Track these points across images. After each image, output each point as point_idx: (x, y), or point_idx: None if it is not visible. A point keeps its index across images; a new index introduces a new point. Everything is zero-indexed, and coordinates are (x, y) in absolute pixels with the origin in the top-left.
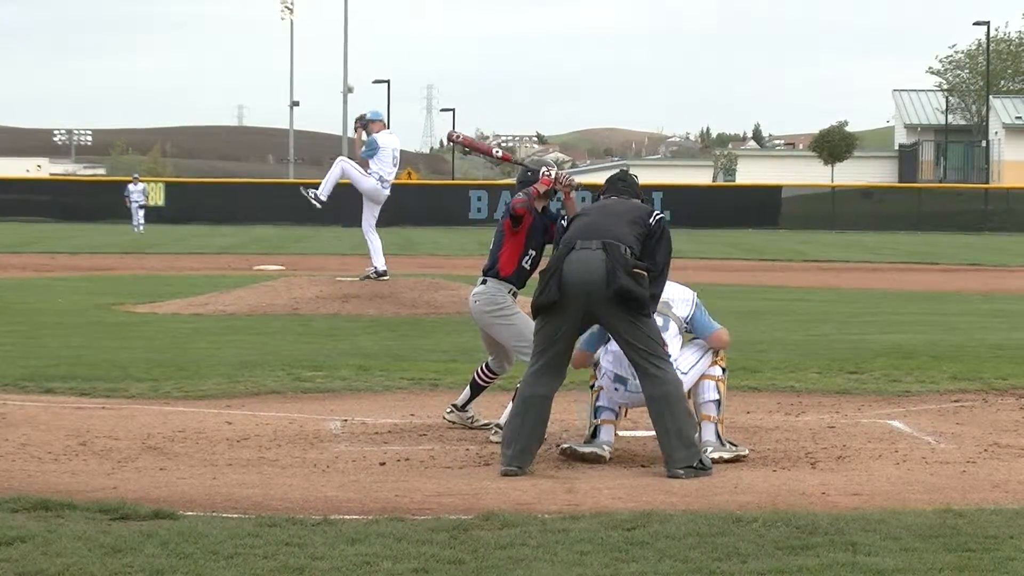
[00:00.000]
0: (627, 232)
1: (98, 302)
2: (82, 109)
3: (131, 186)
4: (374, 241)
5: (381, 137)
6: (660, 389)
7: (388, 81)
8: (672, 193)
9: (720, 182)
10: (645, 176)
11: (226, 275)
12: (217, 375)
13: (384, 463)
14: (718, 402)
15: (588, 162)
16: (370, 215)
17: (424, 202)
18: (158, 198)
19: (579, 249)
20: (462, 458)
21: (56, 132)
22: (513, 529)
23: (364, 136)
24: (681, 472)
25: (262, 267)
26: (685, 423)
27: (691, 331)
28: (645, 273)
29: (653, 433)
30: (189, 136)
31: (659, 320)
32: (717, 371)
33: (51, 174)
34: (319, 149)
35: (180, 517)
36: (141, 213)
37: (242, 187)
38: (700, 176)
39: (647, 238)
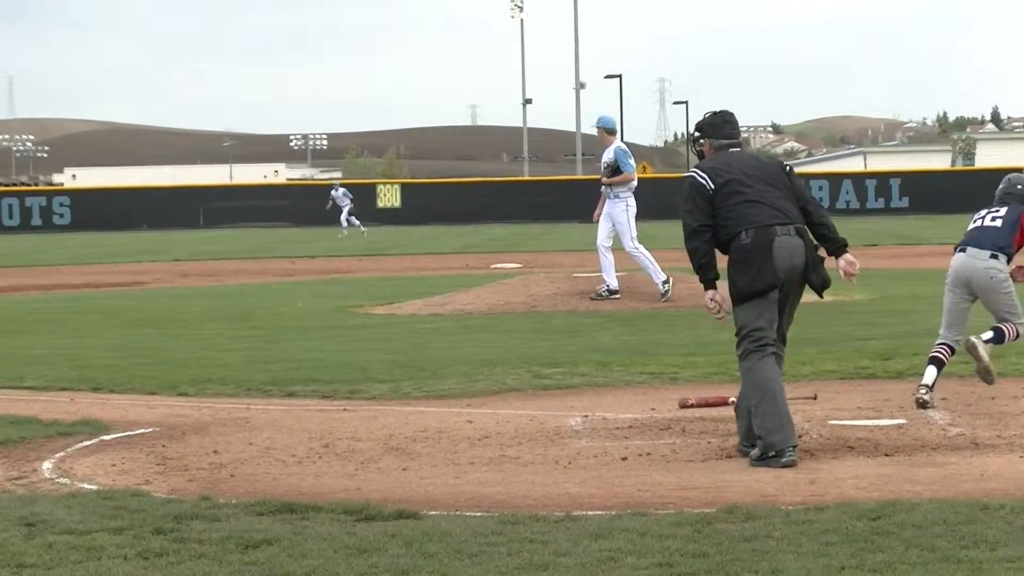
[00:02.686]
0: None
1: (338, 305)
2: (317, 114)
3: (333, 192)
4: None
5: (623, 145)
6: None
7: (620, 76)
8: (910, 179)
9: (959, 166)
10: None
11: (464, 274)
12: (457, 374)
13: (626, 458)
14: None
15: (824, 150)
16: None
17: (660, 196)
18: (394, 200)
19: (780, 235)
20: (704, 451)
21: (292, 137)
22: (756, 521)
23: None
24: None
25: (499, 265)
26: None
27: None
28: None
29: (897, 422)
30: (423, 137)
31: None
32: None
33: (288, 179)
34: (553, 146)
35: (424, 517)
36: (346, 213)
37: (477, 186)
38: (938, 161)
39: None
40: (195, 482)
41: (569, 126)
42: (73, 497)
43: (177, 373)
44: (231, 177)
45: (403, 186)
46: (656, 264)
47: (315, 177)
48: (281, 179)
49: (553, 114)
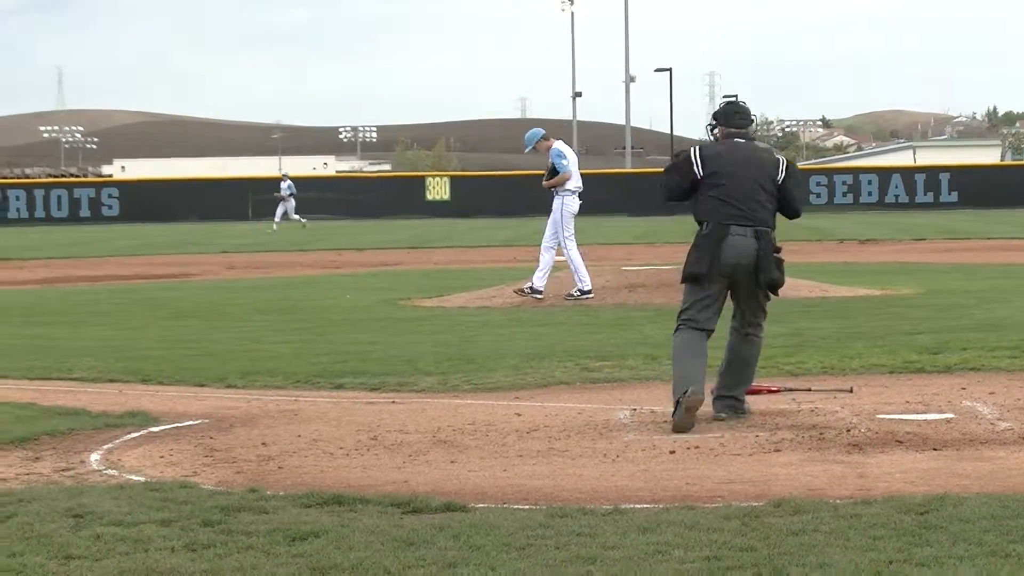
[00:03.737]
0: (768, 209)
1: (386, 297)
2: (367, 106)
3: (282, 183)
4: (574, 259)
5: (561, 144)
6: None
7: (670, 69)
8: (959, 173)
9: (1008, 161)
10: (932, 157)
11: (512, 267)
12: (505, 367)
13: (674, 451)
14: None
15: (873, 145)
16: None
17: None
18: (443, 192)
19: (734, 235)
20: (752, 445)
21: (342, 130)
22: (805, 515)
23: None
24: (724, 415)
25: None
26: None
27: None
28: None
29: (945, 416)
30: (473, 130)
31: None
32: None
33: (337, 171)
34: (603, 139)
35: (471, 509)
36: (282, 209)
37: (526, 179)
38: (988, 156)
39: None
40: (243, 474)
41: (619, 120)
42: (121, 489)
43: (225, 365)
44: (280, 169)
45: (452, 179)
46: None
47: (364, 169)
48: (330, 171)
49: (603, 107)
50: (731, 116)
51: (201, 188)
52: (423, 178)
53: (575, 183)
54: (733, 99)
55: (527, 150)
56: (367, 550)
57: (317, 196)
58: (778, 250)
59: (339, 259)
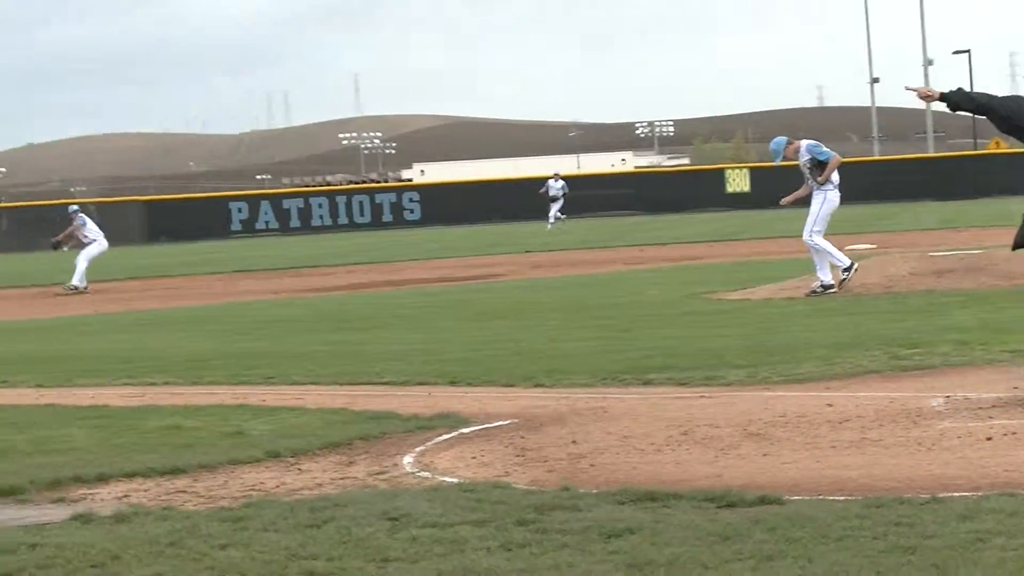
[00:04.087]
0: None
1: (689, 291)
2: (663, 100)
3: (550, 182)
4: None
5: (808, 140)
6: None
7: (968, 51)
8: None
9: None
10: None
11: None
12: (813, 358)
13: (991, 438)
14: None
15: None
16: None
17: (1020, 174)
18: (743, 184)
19: None
20: None
21: (638, 125)
22: None
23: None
24: None
25: (853, 247)
26: None
27: None
28: None
29: None
30: (770, 120)
31: None
32: None
33: (635, 167)
34: (902, 125)
35: (786, 502)
36: (555, 208)
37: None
38: None
39: None
40: (555, 472)
41: (919, 103)
42: (435, 490)
43: (532, 364)
44: (578, 167)
45: (752, 170)
46: (836, 253)
47: (662, 164)
48: (628, 167)
49: (902, 92)
50: None
51: (500, 189)
52: (722, 171)
53: (836, 176)
54: None
55: (777, 161)
56: (682, 545)
57: (616, 193)
58: None
59: (642, 255)
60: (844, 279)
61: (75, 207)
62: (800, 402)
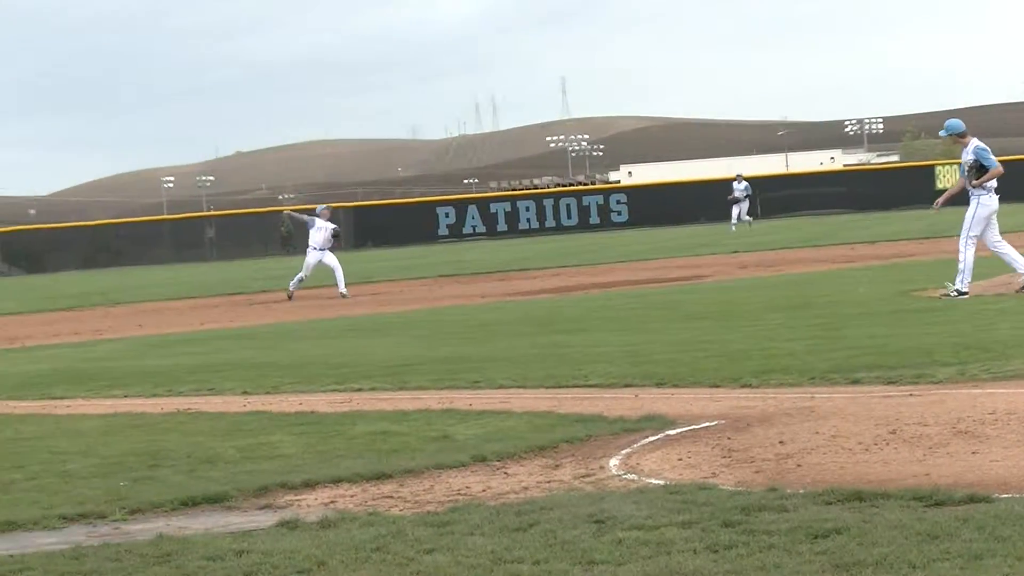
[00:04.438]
0: None
1: (900, 289)
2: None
3: (734, 183)
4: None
5: (978, 141)
6: None
7: None
8: None
9: None
10: None
11: None
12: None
13: None
14: None
15: None
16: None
17: None
18: (953, 180)
19: None
20: None
21: (847, 123)
22: None
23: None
24: None
25: None
26: None
27: None
28: None
29: None
30: (979, 115)
31: None
32: None
33: (844, 165)
34: None
35: (995, 500)
36: (737, 211)
37: None
38: None
39: None
40: (761, 473)
41: None
42: (641, 493)
43: (739, 365)
44: (787, 166)
45: (962, 166)
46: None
47: (871, 162)
48: (837, 165)
49: None
50: None
51: (708, 189)
52: (932, 167)
53: (993, 182)
54: None
55: (943, 134)
56: (890, 545)
57: (825, 191)
58: None
59: (852, 253)
60: (950, 295)
61: (323, 207)
62: (1010, 399)
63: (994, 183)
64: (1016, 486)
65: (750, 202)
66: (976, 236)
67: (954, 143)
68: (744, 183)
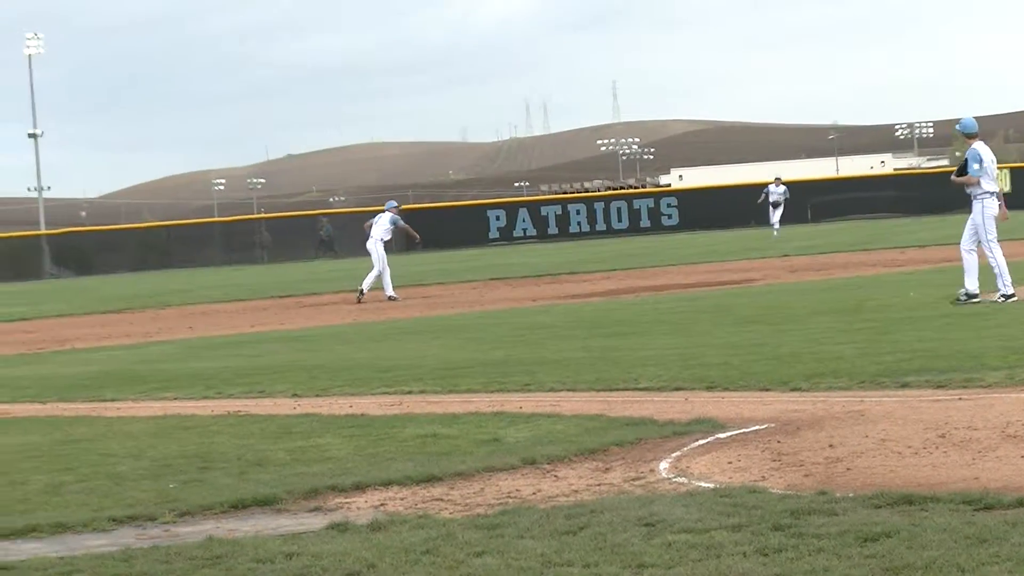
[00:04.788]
0: None
1: (949, 294)
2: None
3: (771, 187)
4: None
5: (981, 147)
6: None
7: None
8: None
9: None
10: None
11: None
12: None
13: None
14: None
15: None
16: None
17: None
18: (1004, 184)
19: None
20: None
21: (897, 127)
22: None
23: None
24: None
25: None
26: None
27: None
28: None
29: None
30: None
31: None
32: None
33: (894, 169)
34: None
35: None
36: (777, 214)
37: None
38: None
39: None
40: (811, 477)
41: None
42: (690, 496)
43: (789, 368)
44: (837, 170)
45: (1012, 170)
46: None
47: (922, 166)
48: (888, 169)
49: None
50: None
51: (758, 193)
52: None
53: (991, 186)
54: None
55: (958, 129)
56: (939, 549)
57: (875, 195)
58: None
59: (902, 257)
60: (997, 300)
61: (393, 202)
62: None
63: (994, 189)
64: None
65: (784, 208)
66: (995, 237)
67: (970, 142)
68: (783, 187)
